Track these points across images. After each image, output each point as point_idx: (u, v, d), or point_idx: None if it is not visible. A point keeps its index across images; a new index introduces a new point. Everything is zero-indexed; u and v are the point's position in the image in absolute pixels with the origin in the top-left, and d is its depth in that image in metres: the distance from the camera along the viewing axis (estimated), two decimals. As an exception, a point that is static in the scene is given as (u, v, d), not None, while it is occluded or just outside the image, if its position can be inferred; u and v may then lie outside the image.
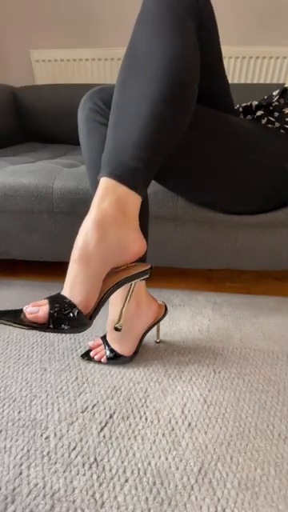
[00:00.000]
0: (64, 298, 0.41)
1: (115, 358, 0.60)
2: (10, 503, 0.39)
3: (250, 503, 0.39)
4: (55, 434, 0.48)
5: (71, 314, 0.39)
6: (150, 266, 0.50)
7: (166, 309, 0.64)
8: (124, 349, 0.60)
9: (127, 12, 1.47)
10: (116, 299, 0.56)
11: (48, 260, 0.86)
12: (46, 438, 0.47)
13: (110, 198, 0.42)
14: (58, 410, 0.52)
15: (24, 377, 0.58)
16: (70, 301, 0.40)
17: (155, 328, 0.66)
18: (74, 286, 0.41)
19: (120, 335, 0.59)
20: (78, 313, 0.40)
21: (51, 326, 0.38)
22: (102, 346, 0.62)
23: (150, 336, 0.68)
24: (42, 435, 0.47)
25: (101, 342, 0.63)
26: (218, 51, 0.55)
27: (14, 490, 0.40)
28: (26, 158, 1.00)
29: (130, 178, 0.42)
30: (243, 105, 0.70)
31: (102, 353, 0.61)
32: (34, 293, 0.85)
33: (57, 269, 0.99)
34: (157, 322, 0.63)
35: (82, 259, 0.41)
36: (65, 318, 0.39)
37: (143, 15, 0.47)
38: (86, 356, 0.62)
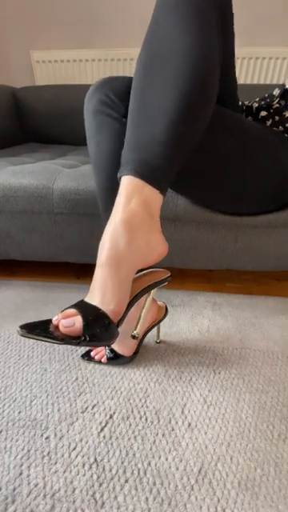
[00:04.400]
0: (96, 308, 0.38)
1: (115, 358, 0.60)
2: (11, 503, 0.39)
3: (249, 503, 0.39)
4: (55, 434, 0.48)
5: (104, 326, 0.37)
6: (170, 274, 0.50)
7: (166, 310, 0.64)
8: (124, 349, 0.60)
9: (127, 13, 1.47)
10: None
11: (48, 260, 0.86)
12: (46, 438, 0.47)
13: (136, 198, 0.40)
14: (58, 410, 0.52)
15: (24, 377, 0.58)
16: (102, 311, 0.38)
17: (155, 328, 0.67)
18: (105, 293, 0.39)
19: (120, 335, 0.59)
20: (109, 323, 0.38)
21: (87, 339, 0.35)
22: (102, 346, 0.62)
23: (150, 336, 0.68)
24: (42, 435, 0.47)
25: None
26: (232, 47, 0.54)
27: (14, 490, 0.40)
28: (27, 158, 1.00)
29: (156, 177, 0.41)
30: (245, 103, 0.70)
31: (102, 353, 0.61)
32: (34, 293, 0.85)
33: (57, 269, 0.99)
34: (157, 323, 0.63)
35: (112, 262, 0.39)
36: (99, 330, 0.37)
37: (165, 5, 0.44)
38: (87, 356, 0.62)
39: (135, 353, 0.61)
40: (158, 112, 0.41)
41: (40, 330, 0.35)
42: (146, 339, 0.68)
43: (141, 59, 0.45)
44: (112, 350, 0.60)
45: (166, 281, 0.50)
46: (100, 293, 0.39)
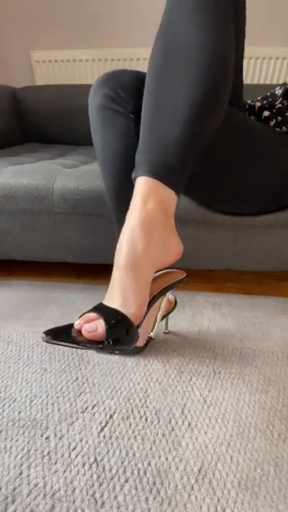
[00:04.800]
0: (117, 311, 0.38)
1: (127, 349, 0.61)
2: (11, 503, 0.39)
3: (249, 503, 0.39)
4: (55, 434, 0.48)
5: (126, 329, 0.37)
6: (186, 274, 0.50)
7: (175, 302, 0.66)
8: None
9: (127, 13, 1.47)
10: None
11: (48, 260, 0.86)
12: (46, 438, 0.47)
13: (152, 200, 0.40)
14: (58, 410, 0.52)
15: (24, 377, 0.58)
16: (124, 315, 0.38)
17: (164, 320, 0.68)
18: (125, 296, 0.38)
19: None
20: (130, 326, 0.37)
21: (111, 343, 0.35)
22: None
23: (158, 329, 0.69)
24: (42, 435, 0.47)
25: None
26: (242, 48, 0.53)
27: (14, 489, 0.40)
28: (27, 158, 1.00)
29: (171, 178, 0.40)
30: (248, 102, 0.70)
31: None
32: (34, 293, 0.85)
33: (57, 269, 0.99)
34: (166, 315, 0.65)
35: (131, 265, 0.39)
36: (121, 334, 0.36)
37: (180, 1, 0.42)
38: None
39: (146, 343, 0.62)
40: (172, 112, 0.40)
41: (64, 335, 0.35)
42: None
43: (154, 56, 0.44)
44: None
45: (183, 281, 0.50)
46: (120, 296, 0.39)
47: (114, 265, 0.40)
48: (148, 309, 0.42)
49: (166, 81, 0.41)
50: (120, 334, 0.36)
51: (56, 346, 0.66)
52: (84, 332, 0.36)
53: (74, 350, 0.65)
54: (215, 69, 0.40)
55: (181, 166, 0.41)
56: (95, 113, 0.51)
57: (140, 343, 0.61)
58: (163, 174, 0.40)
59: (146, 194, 0.40)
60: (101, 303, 0.40)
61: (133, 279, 0.39)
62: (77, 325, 0.37)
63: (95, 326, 0.36)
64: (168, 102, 0.41)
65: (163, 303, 0.51)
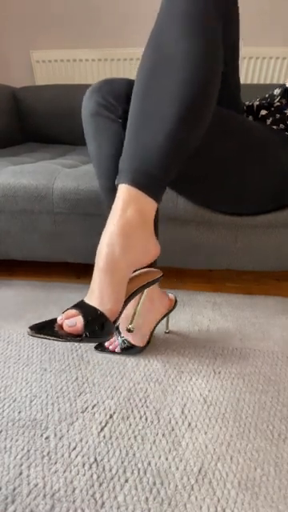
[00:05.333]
0: (95, 308, 0.41)
1: (128, 349, 0.62)
2: (11, 503, 0.39)
3: (250, 503, 0.39)
4: (55, 434, 0.48)
5: (102, 324, 0.41)
6: (162, 273, 0.54)
7: (175, 301, 0.68)
8: (137, 339, 0.62)
9: (127, 13, 1.47)
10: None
11: (48, 260, 0.86)
12: (46, 438, 0.47)
13: (132, 207, 0.42)
14: (58, 410, 0.52)
15: (24, 377, 0.58)
16: (101, 312, 0.41)
17: (165, 320, 0.69)
18: (103, 295, 0.42)
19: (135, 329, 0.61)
20: (106, 321, 0.41)
21: (88, 336, 0.39)
22: (116, 337, 0.63)
23: (159, 329, 0.69)
24: (42, 435, 0.47)
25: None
26: (237, 48, 0.54)
27: (14, 490, 0.40)
28: (26, 158, 1.00)
29: (154, 187, 0.43)
30: (246, 103, 0.70)
31: (115, 344, 0.63)
32: (34, 293, 0.85)
33: (57, 269, 0.99)
34: (167, 314, 0.66)
35: (108, 267, 0.42)
36: (97, 328, 0.40)
37: (170, 12, 0.43)
38: (100, 347, 0.64)
39: (147, 342, 0.63)
40: (160, 119, 0.41)
41: (47, 329, 0.39)
42: (155, 331, 0.68)
43: (143, 61, 0.45)
44: (125, 341, 0.62)
45: (158, 280, 0.54)
46: (98, 295, 0.42)
47: (95, 265, 0.43)
48: (124, 305, 0.45)
49: (152, 90, 0.43)
50: (96, 328, 0.40)
51: (56, 345, 0.66)
52: (65, 327, 0.39)
53: (74, 349, 0.65)
54: (202, 72, 0.41)
55: (163, 175, 0.43)
56: (88, 119, 0.53)
57: (140, 343, 0.62)
58: (144, 183, 0.42)
59: (126, 201, 0.42)
60: (82, 300, 0.43)
61: (110, 281, 0.42)
62: (59, 320, 0.40)
63: (75, 322, 0.40)
64: (155, 110, 0.42)
65: (142, 299, 0.55)
